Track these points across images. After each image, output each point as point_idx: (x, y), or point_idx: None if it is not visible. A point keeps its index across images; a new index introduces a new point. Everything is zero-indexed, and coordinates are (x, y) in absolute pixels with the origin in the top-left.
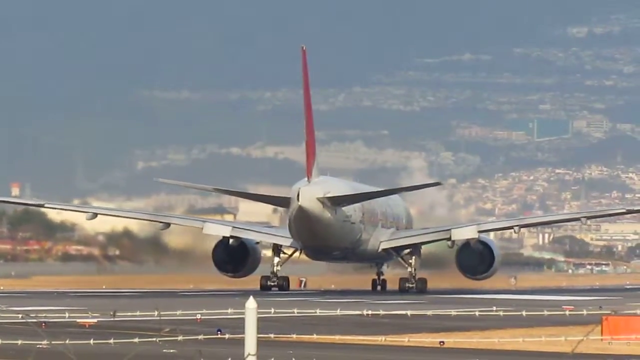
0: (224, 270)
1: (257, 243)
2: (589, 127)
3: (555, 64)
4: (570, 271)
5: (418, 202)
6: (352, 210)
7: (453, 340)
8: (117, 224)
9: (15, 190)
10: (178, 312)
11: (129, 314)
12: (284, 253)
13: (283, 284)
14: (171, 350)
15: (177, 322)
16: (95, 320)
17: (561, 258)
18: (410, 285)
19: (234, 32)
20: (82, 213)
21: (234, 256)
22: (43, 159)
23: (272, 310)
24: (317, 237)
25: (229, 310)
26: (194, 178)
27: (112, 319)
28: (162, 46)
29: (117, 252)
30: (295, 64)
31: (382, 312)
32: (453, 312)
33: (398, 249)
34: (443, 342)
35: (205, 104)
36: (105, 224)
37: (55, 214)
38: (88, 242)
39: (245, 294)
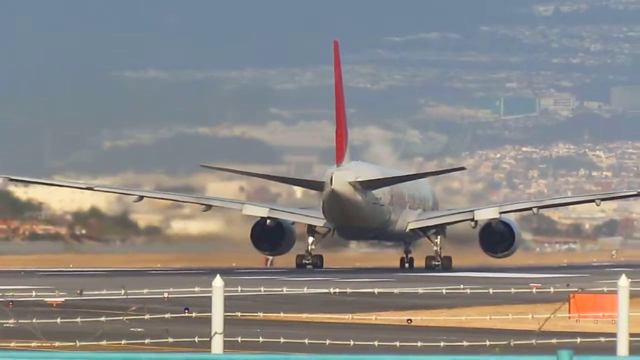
0: (262, 249)
1: (293, 224)
2: (556, 105)
3: (522, 42)
4: (537, 249)
5: None
6: (382, 193)
7: (420, 318)
8: (85, 203)
9: None
10: (145, 291)
11: (96, 292)
12: (318, 233)
13: (317, 262)
14: (138, 329)
15: (144, 301)
16: (62, 299)
17: (529, 236)
18: (436, 263)
19: (199, 11)
20: (116, 194)
21: (271, 236)
22: (9, 137)
23: (239, 289)
24: (348, 219)
25: (196, 289)
26: (162, 157)
27: (79, 298)
28: (129, 25)
29: (84, 231)
30: (261, 42)
31: (349, 290)
32: (420, 290)
33: (425, 229)
34: (410, 320)
35: (171, 83)
36: (72, 203)
37: (22, 193)
38: (55, 221)
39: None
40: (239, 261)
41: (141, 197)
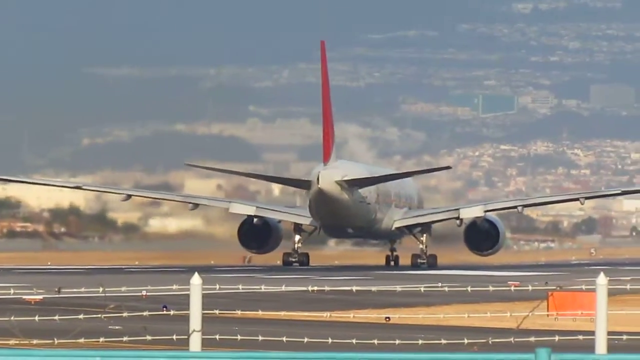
0: (249, 247)
1: (279, 222)
2: (534, 103)
3: (500, 40)
4: (515, 247)
5: None
6: (368, 192)
7: (398, 316)
8: (63, 201)
9: None
10: (123, 289)
11: (74, 290)
12: (304, 231)
13: (303, 260)
14: (116, 327)
15: (122, 299)
16: (40, 296)
17: (507, 234)
18: (422, 261)
19: (177, 8)
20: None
21: (258, 234)
22: None
23: (217, 287)
24: (335, 217)
25: (174, 287)
26: (140, 155)
27: (57, 296)
28: (107, 22)
29: (63, 229)
30: (240, 39)
31: (327, 288)
32: (398, 288)
33: (410, 227)
34: (389, 317)
35: (150, 80)
36: (50, 201)
37: (0, 190)
38: (33, 218)
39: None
40: (217, 259)
41: (129, 196)
